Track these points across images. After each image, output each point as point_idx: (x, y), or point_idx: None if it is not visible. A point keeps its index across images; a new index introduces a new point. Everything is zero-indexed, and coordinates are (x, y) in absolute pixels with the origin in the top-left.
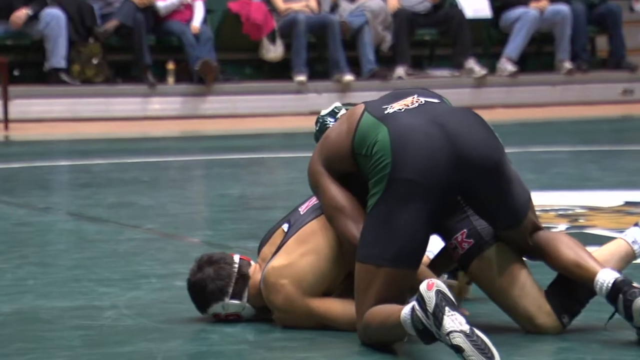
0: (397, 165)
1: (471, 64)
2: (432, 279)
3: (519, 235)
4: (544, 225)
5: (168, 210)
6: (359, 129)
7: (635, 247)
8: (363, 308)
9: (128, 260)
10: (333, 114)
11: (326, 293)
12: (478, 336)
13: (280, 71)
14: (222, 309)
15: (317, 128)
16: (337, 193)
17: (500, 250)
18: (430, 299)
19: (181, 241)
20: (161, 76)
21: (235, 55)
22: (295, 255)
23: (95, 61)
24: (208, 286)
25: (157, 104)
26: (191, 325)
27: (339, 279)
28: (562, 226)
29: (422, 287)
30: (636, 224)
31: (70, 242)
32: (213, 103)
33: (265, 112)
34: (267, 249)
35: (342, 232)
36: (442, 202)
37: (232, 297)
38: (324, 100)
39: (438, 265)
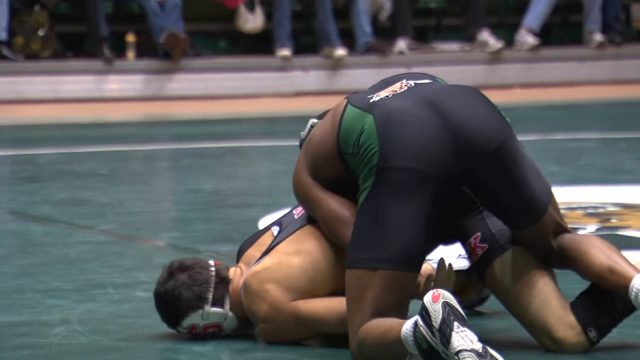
0: (386, 153)
1: (485, 36)
2: (438, 289)
3: (540, 235)
4: (569, 226)
5: (128, 208)
6: (343, 123)
7: None
8: (357, 321)
9: (81, 268)
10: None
11: None
12: (492, 356)
13: (260, 45)
14: (201, 318)
15: (305, 134)
16: (334, 203)
17: (518, 255)
18: (436, 312)
19: (143, 244)
20: (120, 50)
21: (207, 25)
22: (285, 256)
23: (41, 33)
24: (183, 294)
25: (115, 83)
26: (155, 344)
27: (327, 290)
28: (591, 227)
29: (427, 298)
30: None
31: (12, 246)
32: (181, 82)
33: (243, 92)
34: (253, 251)
35: (344, 241)
36: (443, 192)
37: (213, 304)
38: (312, 79)
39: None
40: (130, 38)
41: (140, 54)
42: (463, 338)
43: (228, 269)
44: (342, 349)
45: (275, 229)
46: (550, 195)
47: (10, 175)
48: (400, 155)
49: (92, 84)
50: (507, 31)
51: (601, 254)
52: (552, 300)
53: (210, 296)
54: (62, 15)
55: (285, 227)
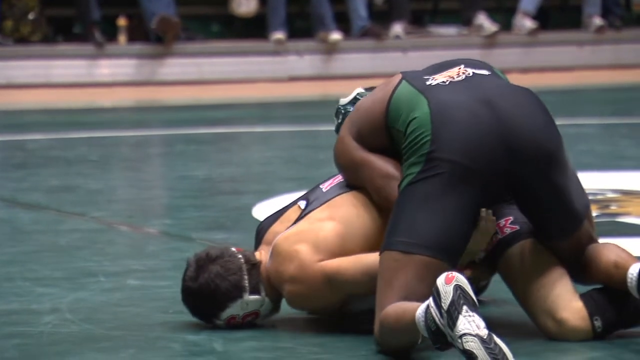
0: (438, 143)
1: (481, 19)
2: (452, 272)
3: (571, 247)
4: None
5: (120, 195)
6: (394, 97)
7: None
8: (384, 304)
9: (71, 255)
10: (356, 101)
11: None
12: (496, 344)
13: (254, 29)
14: (240, 308)
15: (338, 121)
16: (380, 161)
17: (542, 246)
18: (447, 294)
19: (135, 232)
20: (111, 34)
21: (200, 9)
22: (318, 221)
23: (31, 16)
24: (220, 286)
25: (107, 68)
26: (147, 332)
27: (359, 250)
28: None
29: (440, 280)
30: None
31: (1, 233)
32: (174, 67)
33: (237, 77)
34: (277, 228)
35: (387, 196)
36: (486, 191)
37: (251, 292)
38: (306, 64)
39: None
40: (122, 22)
41: (131, 38)
42: (470, 322)
43: (253, 253)
44: (340, 338)
45: (302, 203)
46: (587, 209)
47: None
48: (451, 149)
49: (83, 69)
50: (505, 15)
51: (610, 253)
52: (562, 284)
53: (247, 284)
54: None
55: (314, 200)
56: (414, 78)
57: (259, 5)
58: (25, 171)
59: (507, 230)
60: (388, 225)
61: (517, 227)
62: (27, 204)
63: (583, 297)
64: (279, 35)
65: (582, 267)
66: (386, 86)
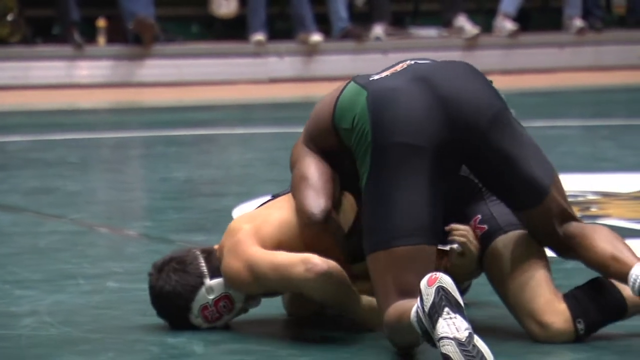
0: (378, 130)
1: (462, 21)
2: (437, 272)
3: (543, 219)
4: None
5: (99, 197)
6: (341, 98)
7: None
8: (384, 305)
9: (51, 257)
10: None
11: None
12: (475, 346)
13: (234, 30)
14: (207, 294)
15: None
16: (310, 163)
17: (518, 240)
18: (429, 296)
19: (115, 234)
20: (90, 35)
21: (179, 10)
22: (268, 209)
23: (10, 17)
24: (180, 279)
25: (86, 69)
26: (126, 335)
27: (291, 242)
28: None
29: (423, 282)
30: None
31: None
32: (153, 68)
33: (217, 78)
34: (237, 220)
35: (299, 200)
36: (441, 164)
37: (212, 277)
38: (287, 65)
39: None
40: (101, 23)
41: (111, 40)
42: (449, 325)
43: (211, 246)
44: (320, 340)
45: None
46: (553, 178)
47: None
48: (392, 132)
49: (62, 70)
50: (484, 17)
51: (606, 243)
52: (544, 285)
53: (205, 269)
54: (31, 0)
55: (283, 192)
56: (361, 78)
57: (239, 7)
58: (4, 173)
59: (478, 232)
60: (363, 231)
61: (485, 226)
62: (6, 206)
63: (566, 298)
64: (259, 36)
65: (569, 246)
66: (336, 90)
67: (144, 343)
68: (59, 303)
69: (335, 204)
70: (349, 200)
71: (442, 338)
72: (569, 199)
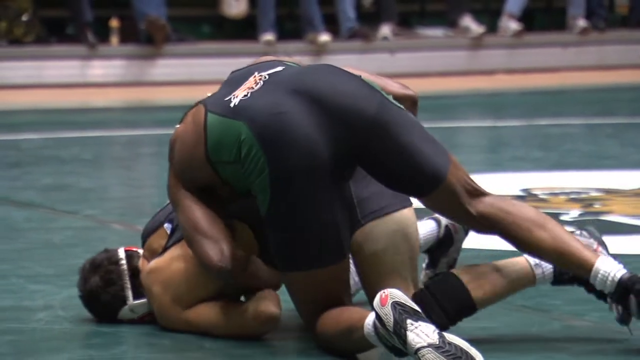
0: (274, 158)
1: (467, 21)
2: (385, 291)
3: (448, 200)
4: (551, 211)
5: (112, 193)
6: (209, 133)
7: (537, 271)
8: (310, 318)
9: (64, 253)
10: None
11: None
12: (450, 343)
13: (244, 30)
14: (131, 313)
15: None
16: (193, 209)
17: (372, 233)
18: (387, 315)
19: (127, 230)
20: (103, 35)
21: (191, 10)
22: (171, 260)
23: (24, 18)
24: (101, 297)
25: (99, 68)
26: (138, 329)
27: (208, 292)
28: (574, 212)
29: (376, 303)
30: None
31: None
32: (164, 67)
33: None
34: (155, 241)
35: (200, 255)
36: (340, 176)
37: (135, 297)
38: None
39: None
40: (114, 23)
41: (124, 40)
42: (418, 335)
43: (139, 256)
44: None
45: (167, 227)
46: (448, 158)
47: None
48: (288, 157)
49: (76, 69)
50: (490, 17)
51: (541, 232)
52: (394, 283)
53: (128, 292)
54: (45, 0)
55: (177, 227)
56: (215, 105)
57: (249, 7)
58: (19, 170)
59: None
60: (273, 249)
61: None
62: (21, 202)
63: (414, 297)
64: (269, 36)
65: (489, 226)
66: (194, 124)
67: (155, 336)
68: (72, 297)
69: (234, 239)
70: (246, 233)
71: (418, 349)
72: (572, 196)
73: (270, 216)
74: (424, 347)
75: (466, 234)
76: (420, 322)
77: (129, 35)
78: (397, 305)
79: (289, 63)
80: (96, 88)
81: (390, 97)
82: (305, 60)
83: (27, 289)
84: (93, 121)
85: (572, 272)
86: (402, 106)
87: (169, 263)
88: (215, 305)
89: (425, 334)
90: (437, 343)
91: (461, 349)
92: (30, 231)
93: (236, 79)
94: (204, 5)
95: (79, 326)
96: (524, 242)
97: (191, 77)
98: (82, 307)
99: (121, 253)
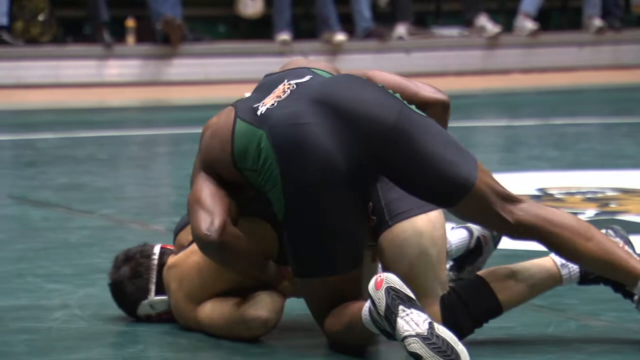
0: (288, 172)
1: (483, 21)
2: (381, 274)
3: (480, 208)
4: (569, 211)
5: (128, 193)
6: (236, 140)
7: (564, 271)
8: (322, 319)
9: (81, 252)
10: None
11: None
12: (438, 336)
13: (259, 29)
14: (150, 308)
15: None
16: (202, 186)
17: (398, 235)
18: (380, 300)
19: (143, 229)
20: (120, 35)
21: (207, 10)
22: (188, 254)
23: (41, 17)
24: (126, 288)
25: (115, 68)
26: (155, 328)
27: (221, 286)
28: (590, 211)
29: (370, 286)
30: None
31: (12, 230)
32: (180, 67)
33: (242, 77)
34: (184, 237)
35: (191, 224)
36: (358, 186)
37: (157, 293)
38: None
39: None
40: (130, 23)
41: (140, 39)
42: (408, 322)
43: (174, 254)
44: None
45: None
46: (474, 164)
47: (10, 160)
48: (303, 171)
49: (92, 69)
50: (505, 16)
51: (589, 243)
52: (418, 286)
53: (152, 286)
54: (62, 0)
55: None
56: (245, 112)
57: (265, 7)
58: (35, 169)
59: (372, 223)
60: (289, 252)
61: (375, 218)
62: (37, 202)
63: (441, 301)
64: (285, 36)
65: (525, 233)
66: (223, 128)
67: (173, 335)
68: (89, 297)
69: (233, 217)
70: (268, 231)
71: (405, 337)
72: (588, 195)
73: (286, 224)
74: (411, 335)
75: (495, 246)
76: (412, 310)
77: (145, 35)
78: (391, 290)
79: (318, 71)
80: (112, 88)
81: (413, 107)
82: (321, 60)
83: (43, 288)
84: (109, 121)
85: (616, 279)
86: (424, 114)
87: (186, 258)
88: (220, 302)
89: (415, 323)
90: (425, 334)
91: (448, 344)
92: (47, 230)
93: (267, 85)
94: (219, 5)
95: (96, 325)
96: (567, 252)
97: (207, 77)
98: (98, 307)
99: (156, 249)
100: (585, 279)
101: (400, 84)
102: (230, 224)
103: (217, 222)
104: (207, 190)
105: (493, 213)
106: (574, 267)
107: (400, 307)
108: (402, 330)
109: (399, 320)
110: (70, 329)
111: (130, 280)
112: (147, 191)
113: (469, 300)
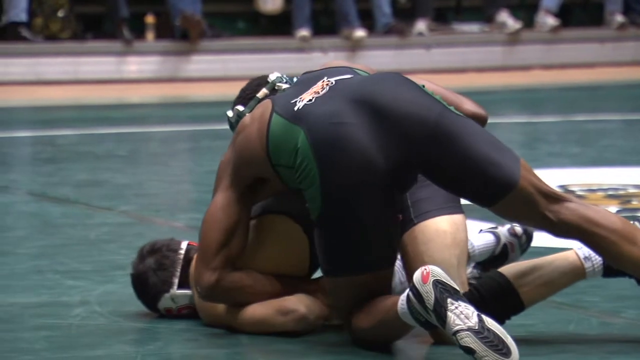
0: (327, 173)
1: (504, 17)
2: (426, 267)
3: (523, 207)
4: None
5: (147, 189)
6: (271, 135)
7: (587, 264)
8: (349, 316)
9: (100, 249)
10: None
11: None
12: (489, 330)
13: (279, 26)
14: (172, 302)
15: (234, 119)
16: (220, 211)
17: (424, 233)
18: (428, 294)
19: (163, 226)
20: (139, 31)
21: (226, 6)
22: None
23: (61, 14)
24: (150, 279)
25: (134, 64)
26: (175, 324)
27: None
28: (612, 208)
29: (417, 278)
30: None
31: (32, 226)
32: (200, 63)
33: (261, 73)
34: None
35: (202, 236)
36: (396, 188)
37: (180, 287)
38: (331, 60)
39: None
40: (150, 19)
41: (159, 35)
42: (458, 316)
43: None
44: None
45: None
46: (517, 163)
47: (29, 156)
48: (342, 173)
49: (112, 65)
50: (526, 12)
51: (632, 246)
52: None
53: (175, 280)
54: None
55: None
56: (282, 106)
57: (284, 3)
58: (55, 166)
59: (398, 220)
60: (320, 251)
61: (400, 216)
62: (57, 198)
63: (467, 295)
64: (304, 32)
65: (569, 231)
66: (259, 121)
67: (191, 332)
68: (108, 293)
69: (237, 255)
70: (297, 231)
71: (457, 332)
72: (610, 192)
73: (321, 223)
74: (463, 329)
75: (522, 253)
76: (460, 302)
77: (164, 31)
78: (438, 283)
79: (358, 71)
80: (132, 84)
81: (452, 108)
82: (340, 56)
83: (63, 285)
84: (128, 117)
85: None
86: (463, 115)
87: None
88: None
89: (465, 316)
90: (477, 328)
91: (499, 337)
92: (67, 227)
93: (306, 81)
94: (239, 1)
95: (115, 322)
96: (610, 255)
97: (226, 73)
98: (118, 303)
99: (183, 244)
100: (609, 272)
101: (441, 92)
102: (229, 275)
103: (212, 277)
104: (220, 220)
105: (536, 212)
106: (598, 260)
107: (449, 300)
108: (453, 325)
109: (449, 314)
110: (90, 326)
111: (155, 272)
112: (166, 188)
113: (490, 297)
